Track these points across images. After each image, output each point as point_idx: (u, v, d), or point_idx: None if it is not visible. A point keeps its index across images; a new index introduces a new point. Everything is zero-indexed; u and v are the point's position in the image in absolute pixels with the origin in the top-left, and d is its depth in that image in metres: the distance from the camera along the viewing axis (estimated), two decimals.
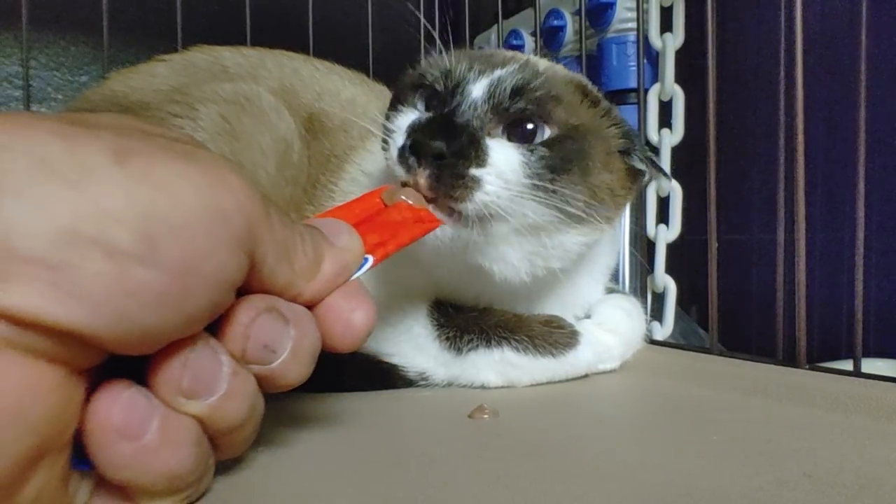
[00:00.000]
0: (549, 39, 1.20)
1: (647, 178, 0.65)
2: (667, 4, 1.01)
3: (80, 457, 0.33)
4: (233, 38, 0.92)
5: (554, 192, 0.56)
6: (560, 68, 0.67)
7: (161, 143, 0.33)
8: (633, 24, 1.02)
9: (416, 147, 0.54)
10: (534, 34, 1.17)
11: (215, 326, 0.35)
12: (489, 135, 0.57)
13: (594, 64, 1.12)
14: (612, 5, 1.07)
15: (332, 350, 0.41)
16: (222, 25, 1.02)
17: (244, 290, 0.36)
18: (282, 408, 0.58)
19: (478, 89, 0.58)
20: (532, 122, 0.58)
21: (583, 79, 0.67)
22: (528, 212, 0.56)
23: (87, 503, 0.34)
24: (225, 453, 0.38)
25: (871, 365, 0.69)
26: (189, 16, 1.00)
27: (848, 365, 0.68)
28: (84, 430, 0.31)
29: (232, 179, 0.33)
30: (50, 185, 0.28)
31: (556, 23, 1.18)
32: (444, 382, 0.63)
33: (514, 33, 1.27)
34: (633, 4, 1.02)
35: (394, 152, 0.56)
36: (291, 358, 0.37)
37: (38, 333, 0.28)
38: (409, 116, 0.60)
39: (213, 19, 1.15)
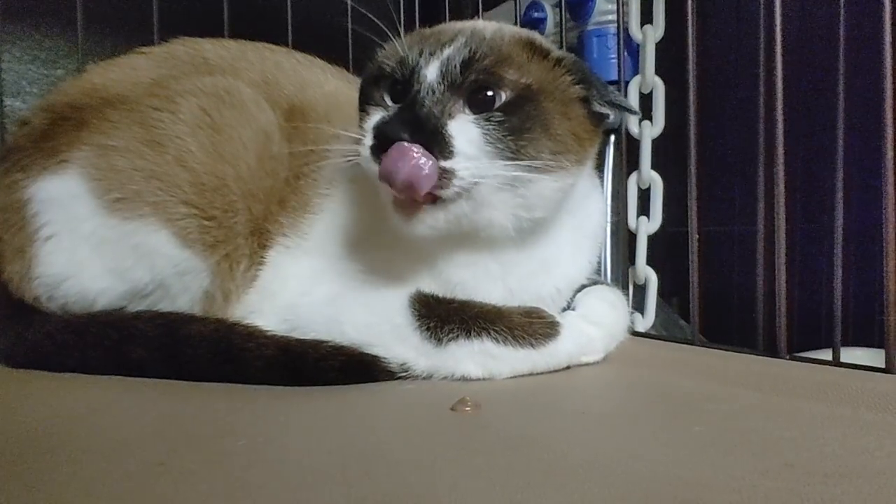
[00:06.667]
0: None
1: (611, 118, 0.68)
2: None
3: None
4: (211, 30, 0.90)
5: (518, 150, 0.60)
6: (508, 29, 0.69)
7: None
8: (614, 17, 1.02)
9: (383, 143, 0.58)
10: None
11: None
12: (451, 115, 0.60)
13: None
14: None
15: None
16: (200, 18, 1.00)
17: None
18: (265, 402, 0.57)
19: (431, 72, 0.62)
20: (489, 89, 0.62)
21: (531, 34, 0.69)
22: (500, 171, 0.60)
23: None
24: None
25: (850, 354, 0.70)
26: (166, 8, 0.98)
27: (828, 354, 0.69)
28: None
29: None
30: None
31: (536, 15, 1.18)
32: (425, 373, 0.63)
33: None
34: None
35: (365, 153, 0.60)
36: None
37: None
38: (376, 116, 0.63)
39: (190, 12, 1.14)
